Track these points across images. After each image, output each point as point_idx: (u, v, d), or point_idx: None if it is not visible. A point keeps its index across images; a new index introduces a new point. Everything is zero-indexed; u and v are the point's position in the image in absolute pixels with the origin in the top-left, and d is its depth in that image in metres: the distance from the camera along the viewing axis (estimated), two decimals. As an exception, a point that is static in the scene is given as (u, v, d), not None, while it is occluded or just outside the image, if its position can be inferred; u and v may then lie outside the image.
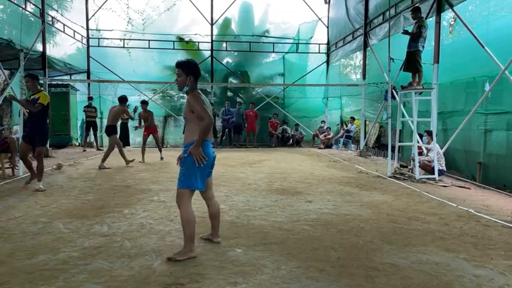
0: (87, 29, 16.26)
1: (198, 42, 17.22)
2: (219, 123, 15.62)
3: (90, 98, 14.04)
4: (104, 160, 8.97)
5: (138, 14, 16.81)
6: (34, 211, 4.97)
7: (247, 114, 15.51)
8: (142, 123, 10.47)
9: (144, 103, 10.72)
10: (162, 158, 10.56)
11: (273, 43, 17.76)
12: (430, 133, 7.99)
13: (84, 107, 13.76)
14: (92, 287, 2.85)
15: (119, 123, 14.60)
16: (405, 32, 8.12)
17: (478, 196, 6.33)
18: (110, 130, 9.25)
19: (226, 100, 16.27)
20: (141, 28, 16.63)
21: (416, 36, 7.82)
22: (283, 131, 16.14)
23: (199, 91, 3.55)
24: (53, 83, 13.74)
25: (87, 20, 16.25)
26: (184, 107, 3.95)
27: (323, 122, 16.19)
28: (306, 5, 17.28)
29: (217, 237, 3.86)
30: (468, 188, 7.03)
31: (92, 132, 13.65)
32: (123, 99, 9.52)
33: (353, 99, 15.42)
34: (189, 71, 3.47)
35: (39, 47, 12.19)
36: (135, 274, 3.07)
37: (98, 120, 14.91)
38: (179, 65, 3.50)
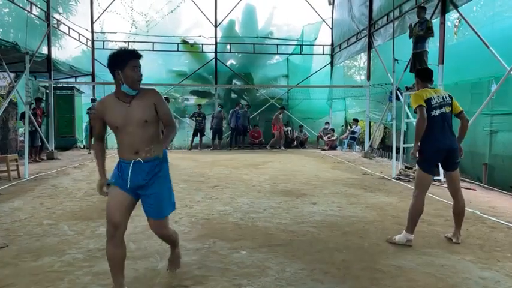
0: (92, 32, 16.35)
1: (202, 44, 17.26)
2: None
3: (93, 100, 14.06)
4: None
5: (142, 16, 16.88)
6: (39, 213, 5.00)
7: (250, 135, 15.65)
8: None
9: None
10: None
11: (277, 45, 17.72)
12: None
13: (88, 109, 13.80)
14: (97, 289, 2.85)
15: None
16: (418, 36, 7.93)
17: (483, 198, 6.28)
18: None
19: (230, 102, 16.26)
20: (145, 30, 16.68)
21: (424, 37, 7.77)
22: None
23: None
24: (58, 85, 13.84)
25: (92, 22, 16.34)
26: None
27: (327, 123, 16.17)
28: (309, 7, 17.27)
29: None
30: (473, 190, 6.97)
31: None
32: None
33: (357, 101, 15.35)
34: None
35: (44, 49, 12.28)
36: (139, 276, 3.08)
37: None
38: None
